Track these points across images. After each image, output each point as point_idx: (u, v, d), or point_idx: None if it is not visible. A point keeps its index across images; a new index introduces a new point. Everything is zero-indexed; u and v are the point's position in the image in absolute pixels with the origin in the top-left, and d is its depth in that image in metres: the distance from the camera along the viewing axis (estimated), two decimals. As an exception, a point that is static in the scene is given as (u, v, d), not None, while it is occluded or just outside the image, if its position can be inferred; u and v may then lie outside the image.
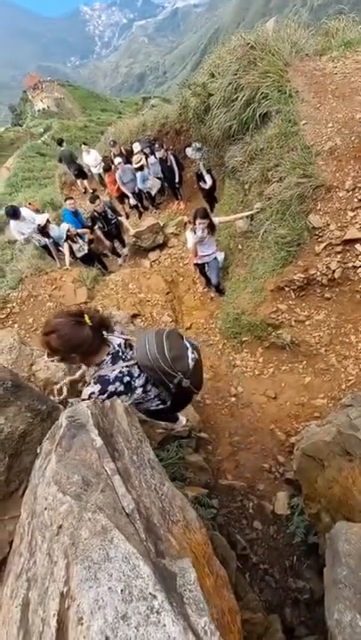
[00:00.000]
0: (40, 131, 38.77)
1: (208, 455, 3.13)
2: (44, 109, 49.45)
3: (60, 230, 6.45)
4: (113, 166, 8.00)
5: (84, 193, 10.85)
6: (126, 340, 1.89)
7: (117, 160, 7.58)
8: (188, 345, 1.93)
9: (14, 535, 0.91)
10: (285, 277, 3.71)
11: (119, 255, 7.76)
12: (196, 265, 5.28)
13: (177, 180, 7.45)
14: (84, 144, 9.76)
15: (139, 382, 1.80)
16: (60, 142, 10.58)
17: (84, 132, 34.83)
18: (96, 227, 6.81)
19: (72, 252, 6.47)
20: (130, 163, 8.25)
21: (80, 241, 6.49)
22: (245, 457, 3.26)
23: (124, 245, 7.68)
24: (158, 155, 7.25)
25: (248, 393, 3.84)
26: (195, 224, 4.51)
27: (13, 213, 6.63)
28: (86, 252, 6.62)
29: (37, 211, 8.48)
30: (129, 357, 1.80)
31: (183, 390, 1.88)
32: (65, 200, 7.82)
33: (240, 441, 3.39)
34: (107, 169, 8.71)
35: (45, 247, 7.03)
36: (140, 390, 1.81)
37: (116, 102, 59.80)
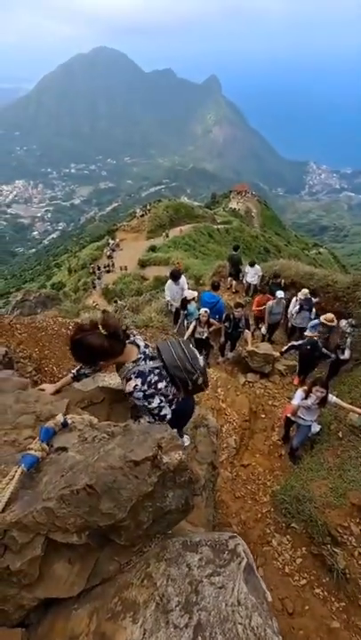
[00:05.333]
0: (219, 220, 46.13)
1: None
2: (234, 209, 58.92)
3: (196, 310, 7.31)
4: (267, 294, 8.64)
5: (228, 288, 12.22)
6: (147, 344, 2.20)
7: (280, 293, 8.06)
8: (196, 350, 2.27)
9: (129, 586, 1.14)
10: (373, 503, 3.43)
11: (223, 355, 8.22)
12: (287, 417, 5.25)
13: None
14: (254, 263, 11.21)
15: (164, 376, 2.08)
16: (235, 248, 12.40)
17: (252, 240, 39.98)
18: (224, 324, 7.47)
19: (193, 331, 7.18)
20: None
21: (206, 327, 7.19)
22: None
23: (231, 350, 8.14)
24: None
25: (265, 584, 3.40)
26: (311, 389, 4.63)
27: (174, 276, 7.89)
28: (203, 338, 7.25)
29: (177, 271, 9.24)
30: (156, 358, 2.11)
31: (195, 389, 2.20)
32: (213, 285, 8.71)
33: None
34: (262, 291, 9.27)
35: (176, 313, 8.00)
36: (166, 382, 2.09)
37: (291, 234, 67.29)
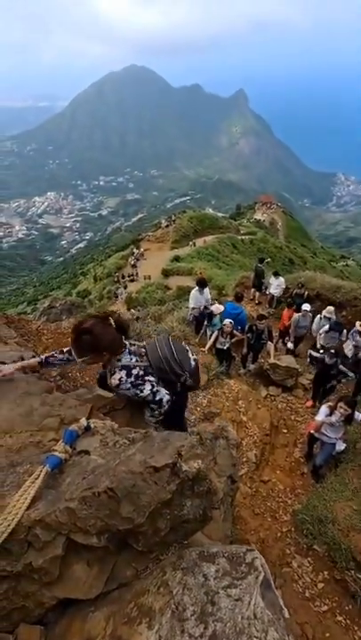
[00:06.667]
0: (244, 231, 46.04)
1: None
2: (258, 220, 58.68)
3: (219, 322, 7.30)
4: (294, 307, 8.45)
5: (251, 299, 12.13)
6: (133, 344, 2.13)
7: (307, 306, 7.95)
8: (188, 347, 2.24)
9: (146, 592, 1.15)
10: None
11: (244, 366, 8.11)
12: (310, 433, 5.09)
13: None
14: (278, 273, 11.10)
15: (151, 372, 2.05)
16: (261, 261, 12.33)
17: (276, 251, 39.58)
18: (247, 335, 7.39)
19: (215, 342, 7.15)
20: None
21: (228, 338, 7.15)
22: None
23: (253, 362, 8.02)
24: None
25: (284, 605, 3.27)
26: (336, 406, 4.47)
27: (200, 285, 7.92)
28: (225, 348, 7.21)
29: (203, 279, 9.18)
30: (139, 359, 2.04)
31: (185, 389, 2.22)
32: (236, 295, 8.67)
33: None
34: (289, 305, 8.79)
35: (198, 322, 8.00)
36: (153, 377, 2.04)
37: (318, 245, 65.98)
